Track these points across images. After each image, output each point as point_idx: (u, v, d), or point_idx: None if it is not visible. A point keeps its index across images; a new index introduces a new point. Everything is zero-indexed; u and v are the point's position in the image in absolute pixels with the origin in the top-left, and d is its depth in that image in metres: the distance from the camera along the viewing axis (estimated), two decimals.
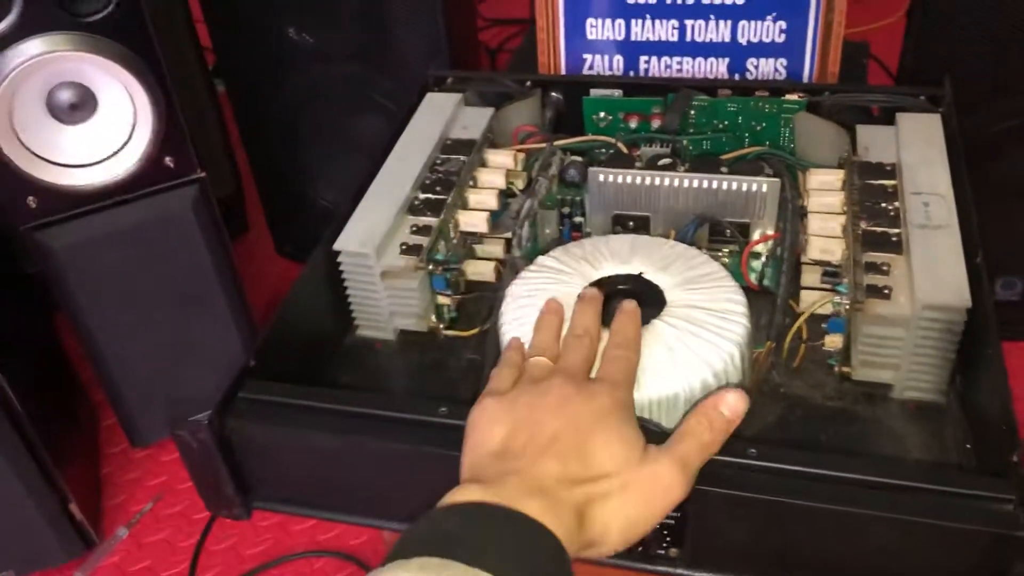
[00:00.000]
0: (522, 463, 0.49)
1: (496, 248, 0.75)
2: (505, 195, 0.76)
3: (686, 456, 0.51)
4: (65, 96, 0.90)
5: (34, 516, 0.97)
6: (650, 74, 0.96)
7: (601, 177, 0.73)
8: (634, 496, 0.49)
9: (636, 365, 0.56)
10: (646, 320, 0.60)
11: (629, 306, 0.60)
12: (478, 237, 0.75)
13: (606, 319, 0.60)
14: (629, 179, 0.72)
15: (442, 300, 0.71)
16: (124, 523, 1.09)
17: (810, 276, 0.68)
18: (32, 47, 0.85)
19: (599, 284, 0.64)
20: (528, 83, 0.86)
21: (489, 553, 0.43)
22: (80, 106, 0.90)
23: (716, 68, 0.95)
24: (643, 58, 0.96)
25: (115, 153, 0.93)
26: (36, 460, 0.94)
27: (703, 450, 0.52)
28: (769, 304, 0.68)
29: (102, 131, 0.92)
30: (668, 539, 0.55)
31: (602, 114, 0.84)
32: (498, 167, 0.78)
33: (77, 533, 1.01)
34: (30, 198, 0.92)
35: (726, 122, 0.82)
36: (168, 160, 0.95)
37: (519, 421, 0.52)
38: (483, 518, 0.46)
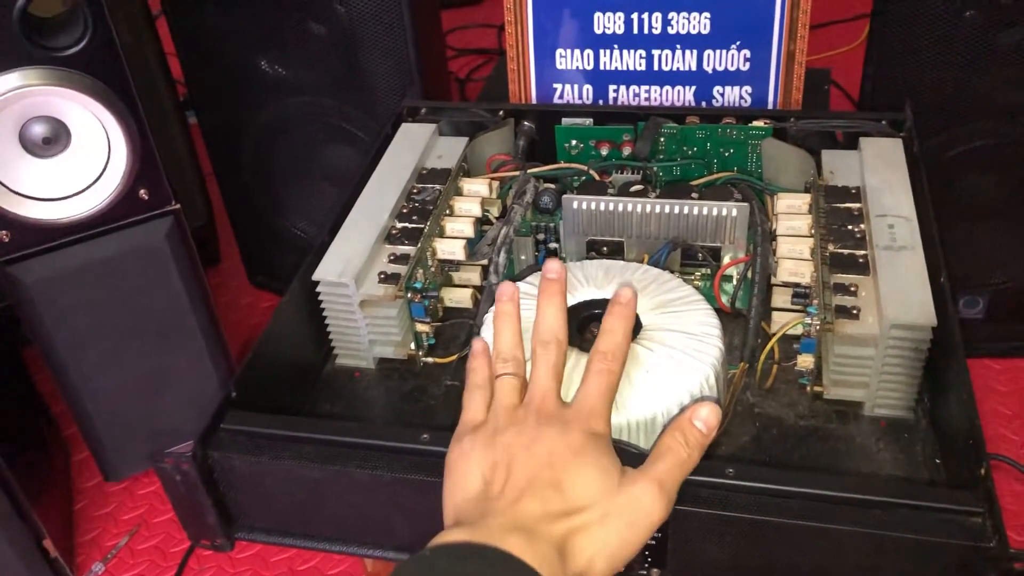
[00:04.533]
0: (502, 504, 0.51)
1: (473, 275, 0.76)
2: (481, 223, 0.78)
3: (663, 475, 0.52)
4: (38, 130, 0.90)
5: (7, 553, 0.95)
6: (619, 102, 0.98)
7: (575, 204, 0.74)
8: (615, 524, 0.50)
9: (618, 379, 0.57)
10: None
11: (626, 295, 0.59)
12: (455, 265, 0.76)
13: (582, 344, 0.61)
14: (602, 205, 0.74)
15: (420, 327, 0.72)
16: (99, 558, 1.08)
17: (781, 298, 0.69)
18: (5, 82, 0.85)
19: (575, 309, 0.65)
20: (501, 113, 0.87)
21: None
22: (53, 140, 0.90)
23: (683, 96, 0.97)
24: (612, 87, 0.98)
25: (89, 186, 0.93)
26: (9, 495, 0.93)
27: (681, 467, 0.53)
28: (741, 326, 0.69)
29: (76, 164, 0.92)
30: (649, 560, 0.56)
31: (574, 142, 0.86)
32: (473, 195, 0.79)
33: (51, 569, 1.00)
34: (3, 232, 0.92)
35: (695, 148, 0.84)
36: (142, 192, 0.95)
37: (496, 462, 0.53)
38: (469, 557, 0.47)
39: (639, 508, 0.51)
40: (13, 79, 0.85)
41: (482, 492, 0.52)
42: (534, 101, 0.99)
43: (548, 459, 0.52)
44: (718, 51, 0.94)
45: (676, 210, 0.72)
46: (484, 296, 0.73)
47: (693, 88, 0.97)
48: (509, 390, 0.58)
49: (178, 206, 0.99)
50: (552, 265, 0.61)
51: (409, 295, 0.70)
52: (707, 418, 0.55)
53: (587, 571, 0.49)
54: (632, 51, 0.96)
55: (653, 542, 0.55)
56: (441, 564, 0.46)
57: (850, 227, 0.69)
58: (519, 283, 0.69)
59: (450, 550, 0.47)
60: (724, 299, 0.73)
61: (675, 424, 0.55)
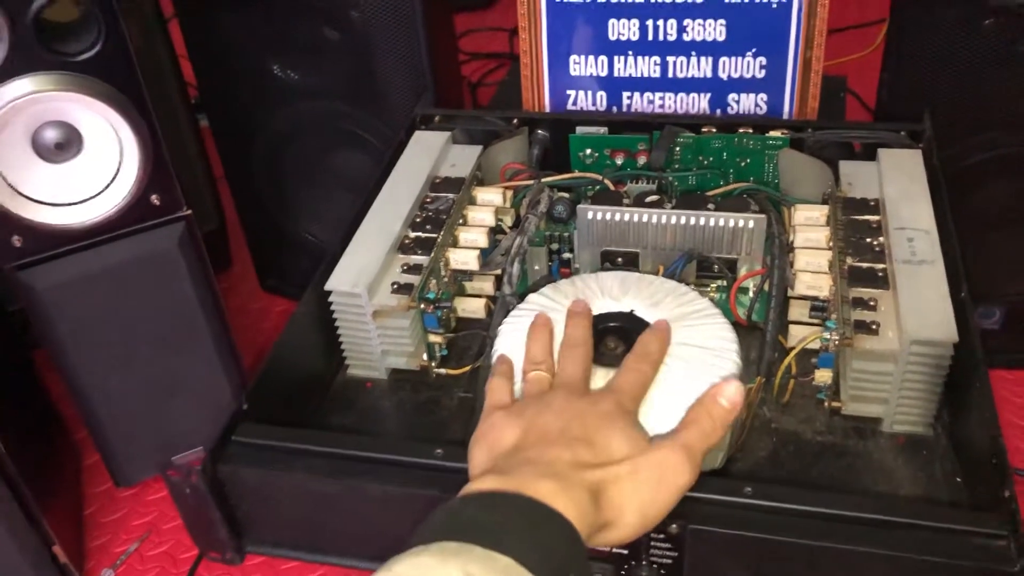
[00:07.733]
0: (533, 453, 0.51)
1: (486, 285, 0.76)
2: (494, 232, 0.77)
3: (689, 442, 0.53)
4: (51, 135, 0.89)
5: (17, 559, 0.95)
6: (632, 109, 0.97)
7: (590, 214, 0.73)
8: (645, 479, 0.51)
9: (650, 381, 0.58)
10: None
11: (661, 324, 0.62)
12: (468, 275, 0.76)
13: (597, 359, 0.61)
14: (617, 216, 0.73)
15: (433, 338, 0.72)
16: (109, 564, 1.08)
17: (798, 311, 0.68)
18: (18, 87, 0.84)
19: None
20: (515, 121, 0.87)
21: (505, 536, 0.44)
22: (66, 145, 0.90)
23: (698, 103, 0.96)
24: (626, 94, 0.97)
25: (101, 191, 0.93)
26: (18, 500, 0.93)
27: (705, 437, 0.54)
28: (758, 339, 0.69)
29: (88, 169, 0.92)
30: None
31: (588, 151, 0.85)
32: (487, 205, 0.78)
33: (61, 575, 1.00)
34: (14, 237, 0.91)
35: (711, 158, 0.83)
36: (154, 198, 0.95)
37: (528, 425, 0.54)
38: (498, 504, 0.47)
39: (667, 468, 0.52)
40: (26, 84, 0.85)
41: (513, 446, 0.53)
42: (547, 107, 0.98)
43: (580, 419, 0.53)
44: (734, 58, 0.93)
45: (692, 221, 0.72)
46: (498, 307, 0.72)
47: (708, 95, 0.96)
48: (538, 383, 0.58)
49: (190, 212, 0.99)
50: (578, 305, 0.64)
51: (422, 305, 0.69)
52: (731, 395, 0.56)
53: (617, 521, 0.50)
54: (647, 58, 0.95)
55: (670, 560, 0.55)
56: (469, 511, 0.47)
57: (869, 240, 0.68)
58: (531, 295, 0.68)
59: (479, 498, 0.48)
60: (740, 312, 0.72)
61: (700, 400, 0.56)
